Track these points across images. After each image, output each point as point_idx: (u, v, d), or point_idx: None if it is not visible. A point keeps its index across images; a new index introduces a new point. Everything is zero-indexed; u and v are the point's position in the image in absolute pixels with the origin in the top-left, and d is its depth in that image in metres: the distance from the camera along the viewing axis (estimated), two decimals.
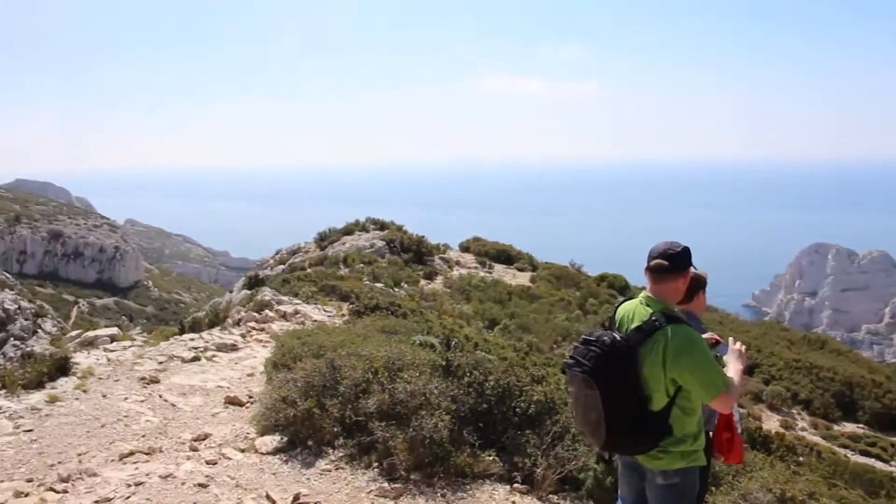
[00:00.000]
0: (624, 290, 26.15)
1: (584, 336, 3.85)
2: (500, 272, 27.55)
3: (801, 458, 12.40)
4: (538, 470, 6.29)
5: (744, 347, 4.16)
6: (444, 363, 7.24)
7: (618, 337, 3.74)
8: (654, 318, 3.73)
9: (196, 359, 11.18)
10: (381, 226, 31.22)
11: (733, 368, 3.98)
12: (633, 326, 3.80)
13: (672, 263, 3.86)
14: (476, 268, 27.79)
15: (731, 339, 4.20)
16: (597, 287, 26.47)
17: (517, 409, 6.80)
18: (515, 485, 6.31)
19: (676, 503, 3.85)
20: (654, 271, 3.89)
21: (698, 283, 4.51)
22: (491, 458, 6.48)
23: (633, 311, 3.90)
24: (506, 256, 30.57)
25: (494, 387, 6.85)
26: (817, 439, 16.54)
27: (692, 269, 4.01)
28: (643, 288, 4.06)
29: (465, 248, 31.80)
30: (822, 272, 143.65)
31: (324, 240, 30.37)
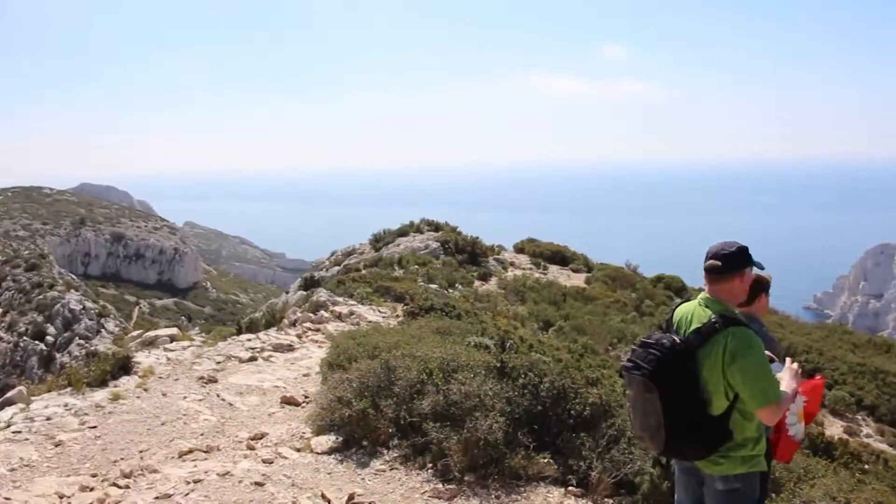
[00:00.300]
0: (681, 291, 25.78)
1: (642, 338, 3.80)
2: (555, 273, 27.39)
3: (866, 466, 12.04)
4: (593, 473, 6.22)
5: (800, 369, 4.02)
6: (498, 365, 7.22)
7: (677, 339, 3.69)
8: (713, 320, 3.66)
9: (253, 359, 11.33)
10: (436, 227, 31.27)
11: (786, 385, 3.83)
12: (691, 328, 3.74)
13: (725, 264, 3.77)
14: (530, 269, 27.67)
15: (788, 359, 4.07)
16: (653, 288, 26.13)
17: (572, 412, 6.74)
18: (570, 488, 6.26)
19: None
20: (708, 272, 3.82)
21: (760, 285, 4.42)
22: (545, 460, 6.44)
23: (692, 312, 3.83)
24: (560, 257, 30.38)
25: (549, 388, 6.80)
26: (884, 447, 16.05)
27: (755, 270, 3.93)
28: (700, 289, 3.99)
29: (519, 249, 31.69)
30: (888, 273, 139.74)
31: (378, 241, 30.53)
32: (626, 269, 28.90)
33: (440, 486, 6.21)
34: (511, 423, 6.47)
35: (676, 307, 4.01)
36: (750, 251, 3.88)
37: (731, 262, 3.79)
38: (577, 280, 26.44)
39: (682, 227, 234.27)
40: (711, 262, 3.80)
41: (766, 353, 3.84)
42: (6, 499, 5.91)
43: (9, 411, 8.37)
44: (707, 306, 3.79)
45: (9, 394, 9.25)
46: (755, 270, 3.99)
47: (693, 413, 3.63)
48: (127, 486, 6.27)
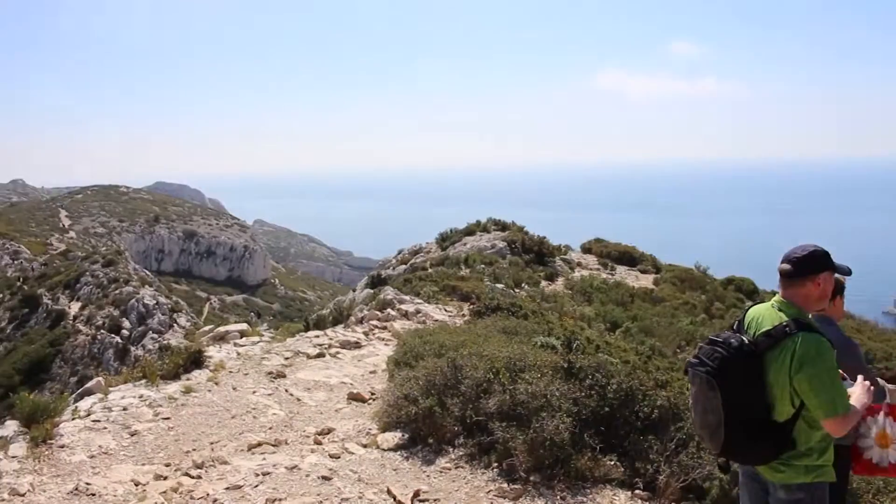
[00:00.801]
0: (752, 294, 25.21)
1: (711, 336, 3.74)
2: (623, 274, 27.05)
3: None
4: (661, 477, 6.15)
5: (873, 387, 3.86)
6: (565, 365, 7.18)
7: (745, 340, 3.62)
8: (784, 324, 3.58)
9: (321, 355, 11.47)
10: (502, 226, 31.17)
11: (856, 399, 3.69)
12: (761, 331, 3.66)
13: (796, 268, 3.70)
14: (598, 269, 27.38)
15: (860, 377, 3.90)
16: (723, 290, 25.60)
17: (640, 414, 6.67)
18: (637, 491, 6.20)
19: None
20: (781, 275, 3.76)
21: (835, 288, 4.31)
22: (612, 462, 6.38)
23: (764, 315, 3.75)
24: (628, 258, 29.98)
25: (617, 390, 6.74)
26: None
27: (832, 273, 3.80)
28: (773, 292, 3.91)
29: (586, 249, 31.39)
30: None
31: (445, 240, 30.58)
32: (696, 271, 28.37)
33: (505, 485, 6.20)
34: (577, 424, 6.43)
35: (749, 308, 3.93)
36: (829, 255, 3.78)
37: (802, 267, 3.71)
38: (645, 281, 26.07)
39: (758, 227, 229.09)
40: (783, 265, 3.74)
41: (839, 371, 3.70)
42: (87, 483, 6.12)
43: (88, 401, 8.66)
44: (780, 310, 3.71)
45: (88, 384, 9.57)
46: (837, 275, 3.89)
47: (755, 416, 3.55)
48: (199, 477, 6.43)
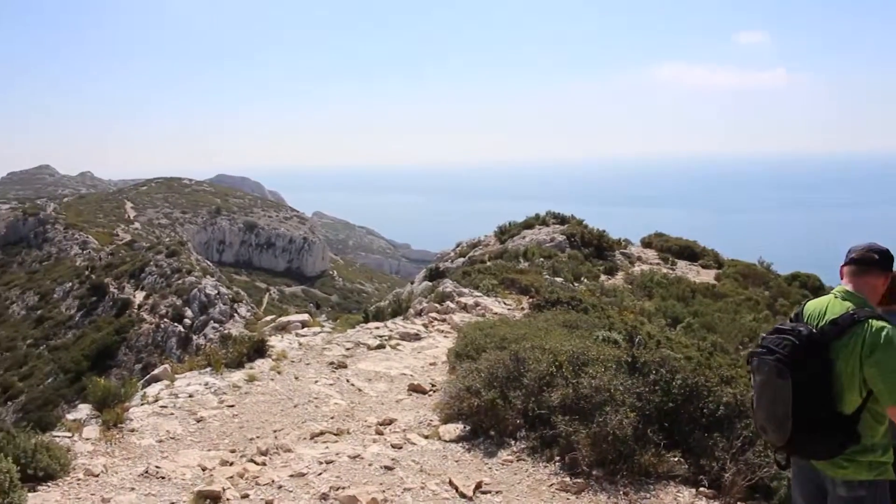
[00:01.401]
0: (818, 290, 24.61)
1: (776, 326, 3.74)
2: (683, 269, 26.69)
3: None
4: (726, 475, 6.04)
5: None
6: (629, 359, 7.10)
7: (813, 329, 3.59)
8: (852, 311, 3.55)
9: (381, 346, 11.56)
10: (562, 220, 31.03)
11: None
12: (826, 320, 3.62)
13: (878, 261, 3.73)
14: (658, 264, 27.06)
15: None
16: (787, 287, 25.05)
17: (705, 410, 6.56)
18: (701, 488, 6.10)
19: None
20: (859, 263, 3.74)
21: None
22: (676, 458, 6.29)
23: (826, 305, 3.72)
24: (689, 253, 29.56)
25: (682, 386, 6.63)
26: None
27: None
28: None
29: (646, 243, 31.05)
30: None
31: (504, 233, 30.55)
32: (759, 267, 27.81)
33: (567, 479, 6.17)
34: (641, 420, 6.36)
35: (807, 302, 3.90)
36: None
37: (882, 259, 3.75)
38: (707, 276, 25.67)
39: (819, 223, 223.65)
40: (867, 253, 3.74)
41: None
42: (157, 467, 6.27)
43: (156, 387, 8.87)
44: (846, 299, 3.68)
45: (155, 371, 9.82)
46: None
47: (823, 407, 3.49)
48: (263, 464, 6.54)
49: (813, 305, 3.81)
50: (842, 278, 3.83)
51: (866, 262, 3.72)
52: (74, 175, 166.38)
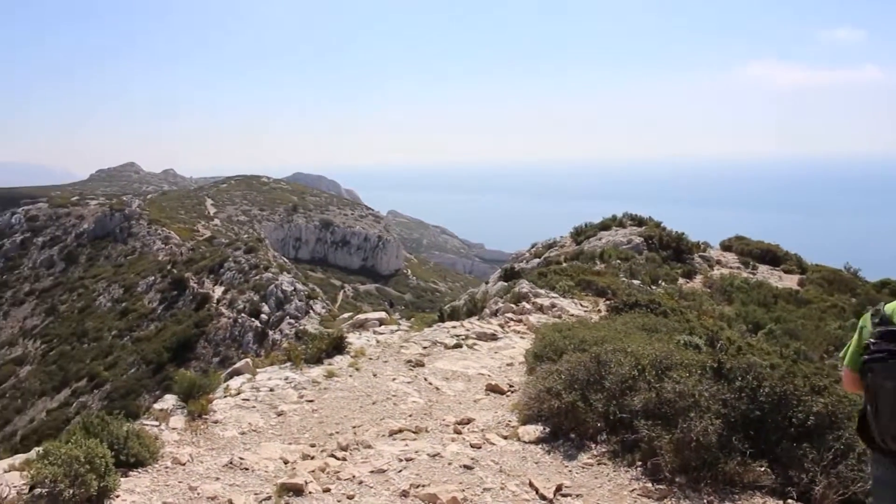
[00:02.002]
0: None
1: (888, 329, 3.43)
2: (765, 273, 26.02)
3: None
4: (817, 487, 5.83)
5: None
6: (715, 365, 6.93)
7: None
8: None
9: (458, 346, 11.56)
10: (639, 222, 30.59)
11: None
12: None
13: None
14: (738, 268, 26.45)
15: None
16: (876, 293, 24.16)
17: (794, 420, 6.34)
18: (789, 500, 5.91)
19: None
20: None
21: None
22: (762, 468, 6.11)
23: None
24: (771, 257, 28.79)
25: (769, 393, 6.44)
26: None
27: None
28: None
29: (726, 246, 30.36)
30: None
31: (580, 234, 30.28)
32: (845, 272, 26.92)
33: (650, 485, 6.06)
34: (726, 427, 6.20)
35: (884, 305, 3.61)
36: None
37: None
38: (789, 282, 24.99)
39: None
40: None
41: None
42: (240, 458, 6.40)
43: (238, 380, 9.05)
44: None
45: (237, 364, 10.01)
46: None
47: None
48: (344, 459, 6.61)
49: (892, 307, 3.55)
50: None
51: None
52: (158, 172, 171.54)
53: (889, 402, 3.43)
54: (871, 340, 3.48)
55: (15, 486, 5.43)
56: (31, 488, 5.29)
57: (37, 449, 5.68)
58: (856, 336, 3.67)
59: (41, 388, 50.59)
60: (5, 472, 5.82)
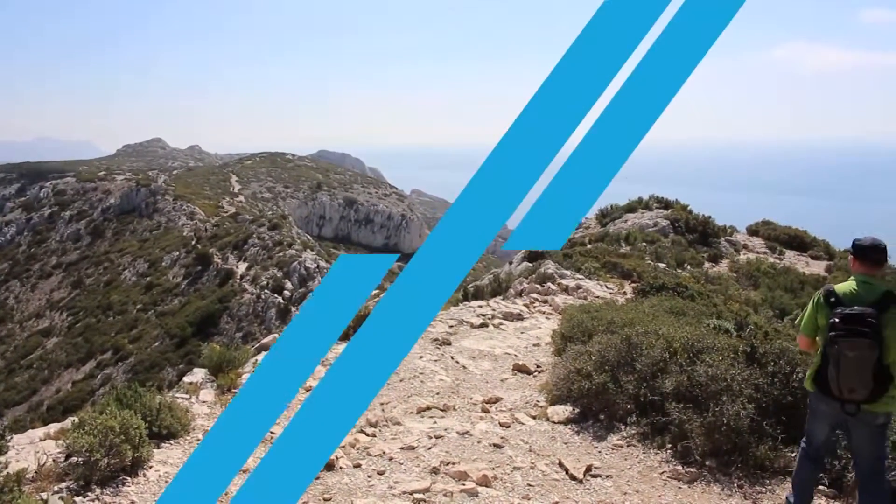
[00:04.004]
0: None
1: (846, 312, 4.63)
2: (792, 259, 25.77)
3: None
4: (849, 475, 5.80)
5: None
6: (748, 349, 6.87)
7: (871, 310, 4.62)
8: (888, 292, 4.67)
9: (484, 325, 11.56)
10: (665, 204, 30.35)
11: None
12: (869, 301, 4.66)
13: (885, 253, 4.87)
14: (765, 253, 26.22)
15: None
16: None
17: None
18: (821, 487, 5.87)
19: (885, 439, 4.87)
20: (883, 258, 4.85)
21: None
22: (794, 454, 6.07)
23: (855, 289, 4.76)
24: (798, 242, 28.48)
25: (803, 379, 6.38)
26: None
27: None
28: None
29: (753, 231, 30.08)
30: None
31: (605, 216, 30.11)
32: None
33: (679, 467, 6.04)
34: (758, 412, 6.16)
35: (832, 287, 4.88)
36: None
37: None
38: (817, 268, 24.73)
39: None
40: (884, 253, 4.85)
41: None
42: (271, 432, 6.43)
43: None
44: (871, 284, 4.77)
45: (264, 340, 10.07)
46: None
47: (886, 364, 4.62)
48: (374, 435, 6.64)
49: (845, 289, 4.83)
50: (853, 266, 4.90)
51: (885, 259, 4.87)
52: (184, 148, 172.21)
53: (849, 366, 4.66)
54: (836, 320, 4.69)
55: (51, 455, 5.50)
56: (67, 457, 5.36)
57: (72, 418, 5.75)
58: (810, 308, 5.02)
59: (67, 360, 51.21)
60: (41, 440, 5.90)
